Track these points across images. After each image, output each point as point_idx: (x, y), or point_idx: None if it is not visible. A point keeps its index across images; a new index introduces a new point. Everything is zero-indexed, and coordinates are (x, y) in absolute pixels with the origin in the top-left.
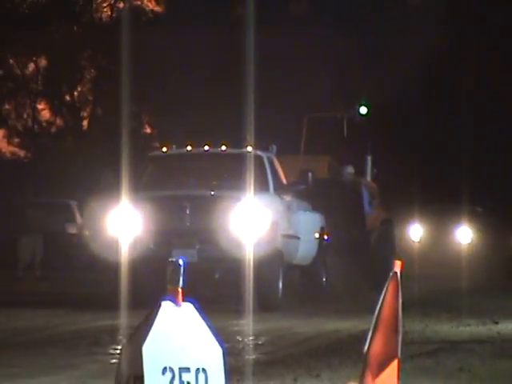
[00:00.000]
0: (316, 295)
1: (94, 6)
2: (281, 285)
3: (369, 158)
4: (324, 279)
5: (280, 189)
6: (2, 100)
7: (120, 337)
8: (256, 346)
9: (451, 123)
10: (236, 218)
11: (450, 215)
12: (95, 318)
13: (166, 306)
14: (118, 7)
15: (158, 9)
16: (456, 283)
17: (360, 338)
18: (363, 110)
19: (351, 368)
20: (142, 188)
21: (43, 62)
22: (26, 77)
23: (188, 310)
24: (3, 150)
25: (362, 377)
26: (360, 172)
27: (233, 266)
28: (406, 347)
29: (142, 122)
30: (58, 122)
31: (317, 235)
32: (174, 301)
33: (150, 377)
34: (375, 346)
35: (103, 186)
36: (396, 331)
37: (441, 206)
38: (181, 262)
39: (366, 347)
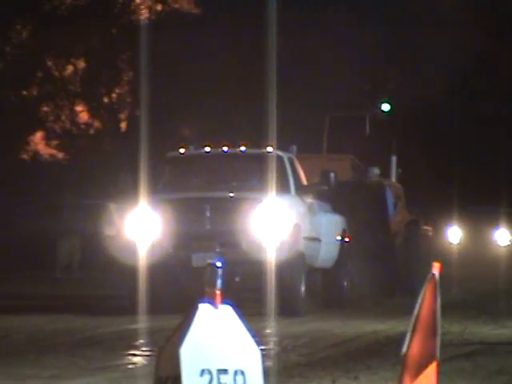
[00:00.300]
0: (338, 299)
1: (133, 8)
2: (303, 289)
3: (394, 158)
4: (346, 283)
5: (301, 190)
6: (41, 102)
7: (157, 338)
8: (294, 347)
9: (487, 122)
10: (258, 220)
11: (488, 217)
12: (133, 320)
13: (204, 308)
14: (157, 9)
15: (195, 11)
16: (495, 285)
17: (398, 340)
18: (385, 106)
19: (390, 370)
20: (159, 190)
21: (82, 64)
22: (64, 79)
23: (226, 312)
24: (41, 152)
25: (400, 379)
26: (384, 172)
27: (254, 270)
28: (445, 349)
29: (178, 124)
30: (96, 123)
31: (338, 237)
32: (212, 303)
33: (188, 379)
34: (414, 347)
35: (121, 188)
36: (434, 333)
37: (479, 208)
38: (219, 264)
39: (404, 349)
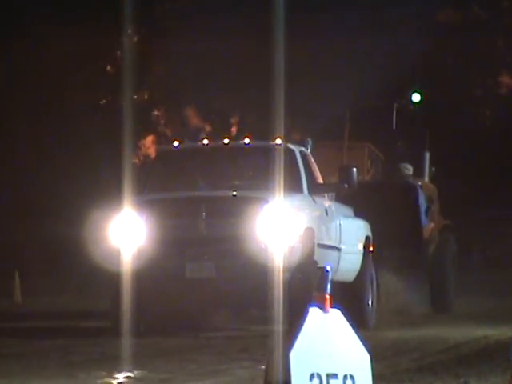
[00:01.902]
0: (360, 317)
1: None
2: None
3: (427, 155)
4: (370, 299)
5: (316, 189)
6: (152, 107)
7: (267, 342)
8: (404, 352)
9: None
10: (263, 223)
11: None
12: (245, 324)
13: (314, 312)
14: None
15: None
16: None
17: (509, 345)
18: (416, 97)
19: (500, 376)
20: (148, 189)
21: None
22: (174, 83)
23: (336, 316)
24: (152, 156)
25: None
26: (416, 171)
27: (259, 280)
28: None
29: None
30: (207, 128)
31: (361, 246)
32: (322, 307)
33: (298, 383)
34: None
35: (104, 189)
36: None
37: None
38: (328, 268)
39: None
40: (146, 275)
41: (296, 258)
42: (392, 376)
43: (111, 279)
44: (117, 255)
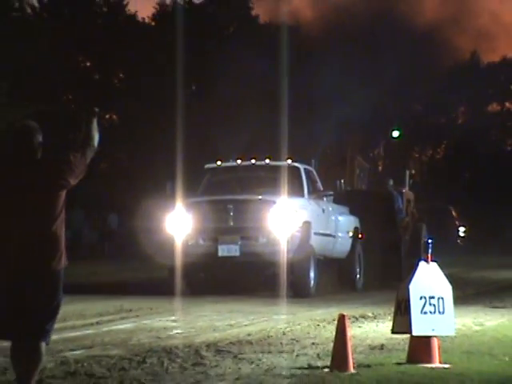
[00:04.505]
0: (350, 283)
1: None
2: (313, 275)
3: (407, 172)
4: (358, 270)
5: (314, 194)
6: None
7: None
8: (469, 284)
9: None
10: (272, 218)
11: None
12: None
13: (422, 263)
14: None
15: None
16: None
17: None
18: (395, 133)
19: None
20: (199, 194)
21: None
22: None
23: (434, 265)
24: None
25: None
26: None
27: (269, 259)
28: None
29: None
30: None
31: (350, 234)
32: (426, 261)
33: (413, 300)
34: None
35: (169, 193)
36: None
37: None
38: (430, 240)
39: None
40: (191, 254)
41: (296, 242)
42: (463, 297)
43: (167, 258)
44: (171, 240)
